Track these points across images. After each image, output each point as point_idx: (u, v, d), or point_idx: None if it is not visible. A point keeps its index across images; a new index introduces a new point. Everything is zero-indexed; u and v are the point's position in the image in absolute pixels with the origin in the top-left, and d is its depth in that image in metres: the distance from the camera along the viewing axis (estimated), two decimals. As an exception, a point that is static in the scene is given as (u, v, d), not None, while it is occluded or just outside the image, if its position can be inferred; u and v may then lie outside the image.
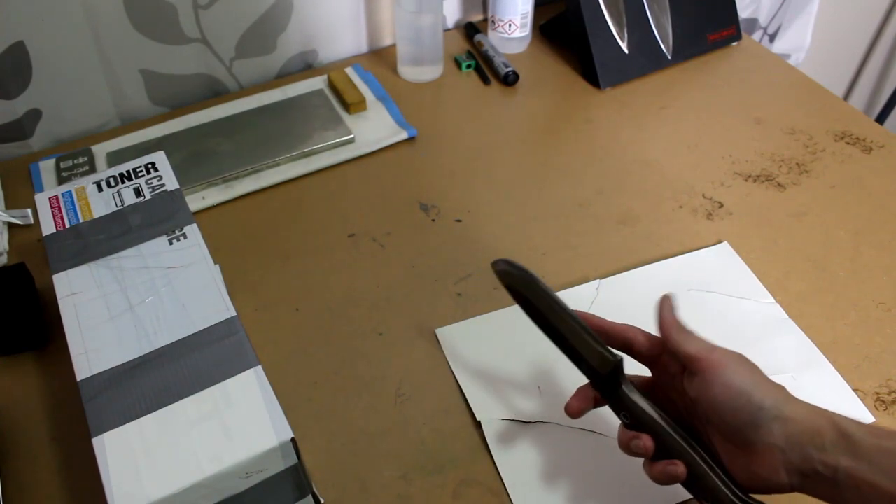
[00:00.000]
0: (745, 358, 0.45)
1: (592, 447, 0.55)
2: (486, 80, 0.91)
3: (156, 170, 0.59)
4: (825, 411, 0.41)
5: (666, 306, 0.48)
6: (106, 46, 0.79)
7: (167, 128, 0.83)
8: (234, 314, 0.48)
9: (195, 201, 0.74)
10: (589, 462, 0.55)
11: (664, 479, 0.44)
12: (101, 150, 0.80)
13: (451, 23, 1.01)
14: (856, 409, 0.57)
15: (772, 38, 1.25)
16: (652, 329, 0.49)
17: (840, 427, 0.40)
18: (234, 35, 0.85)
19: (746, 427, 0.42)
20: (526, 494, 0.53)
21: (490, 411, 0.57)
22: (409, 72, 0.91)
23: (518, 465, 0.54)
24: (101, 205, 0.56)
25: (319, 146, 0.80)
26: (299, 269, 0.69)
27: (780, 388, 0.43)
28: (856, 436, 0.39)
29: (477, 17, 1.01)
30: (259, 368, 0.45)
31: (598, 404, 0.49)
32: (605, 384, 0.48)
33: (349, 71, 0.91)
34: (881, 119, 1.48)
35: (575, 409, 0.48)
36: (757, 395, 0.42)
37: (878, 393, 0.59)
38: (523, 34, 0.94)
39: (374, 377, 0.61)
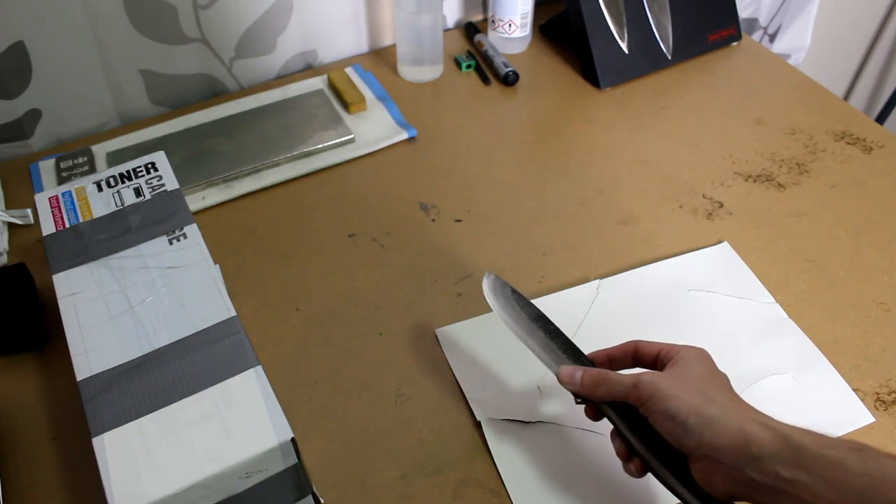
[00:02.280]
0: (682, 384, 0.45)
1: (592, 447, 0.55)
2: (486, 80, 0.91)
3: (156, 170, 0.59)
4: (770, 422, 0.41)
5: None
6: (106, 46, 0.79)
7: (167, 128, 0.83)
8: (234, 314, 0.48)
9: (195, 201, 0.74)
10: (589, 462, 0.55)
11: (629, 472, 0.49)
12: (101, 150, 0.80)
13: (451, 23, 1.01)
14: (856, 409, 0.57)
15: (772, 38, 1.25)
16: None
17: (785, 437, 0.40)
18: (234, 35, 0.85)
19: (680, 443, 0.43)
20: (526, 494, 0.53)
21: (490, 411, 0.57)
22: (409, 72, 0.91)
23: (518, 465, 0.54)
24: (101, 205, 0.56)
25: (319, 146, 0.80)
26: (299, 269, 0.69)
27: (718, 403, 0.43)
28: (800, 446, 0.39)
29: (477, 17, 1.01)
30: (259, 368, 0.45)
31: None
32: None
33: (349, 71, 0.91)
34: (881, 119, 1.48)
35: (590, 414, 0.51)
36: (681, 416, 0.42)
37: (878, 393, 0.59)
38: (523, 34, 0.94)
39: (374, 377, 0.60)
